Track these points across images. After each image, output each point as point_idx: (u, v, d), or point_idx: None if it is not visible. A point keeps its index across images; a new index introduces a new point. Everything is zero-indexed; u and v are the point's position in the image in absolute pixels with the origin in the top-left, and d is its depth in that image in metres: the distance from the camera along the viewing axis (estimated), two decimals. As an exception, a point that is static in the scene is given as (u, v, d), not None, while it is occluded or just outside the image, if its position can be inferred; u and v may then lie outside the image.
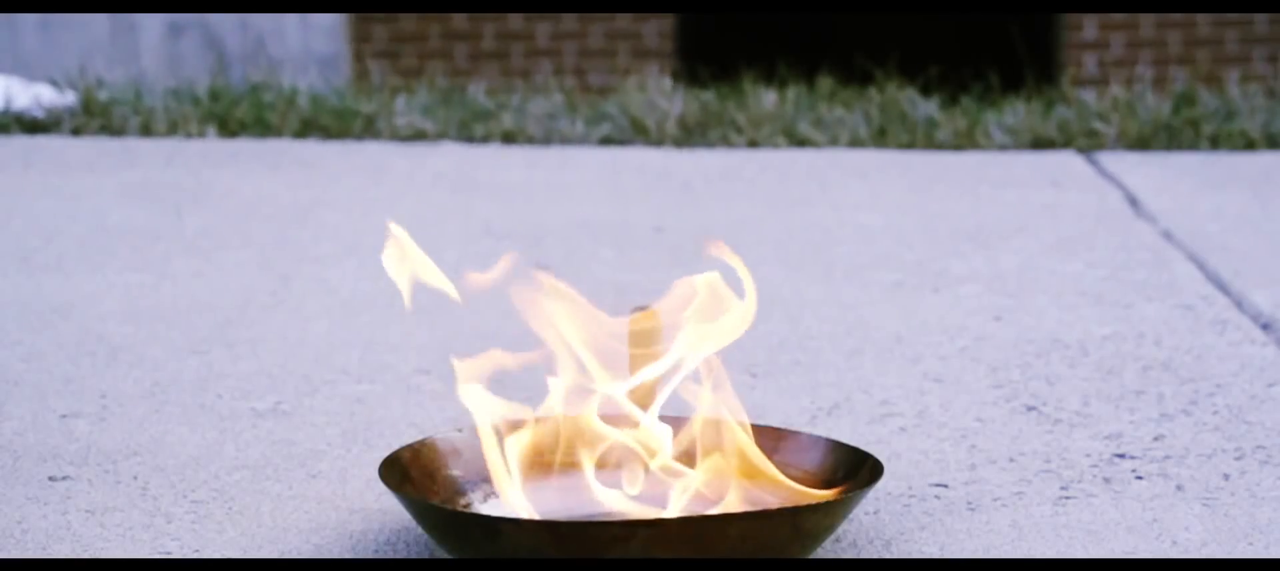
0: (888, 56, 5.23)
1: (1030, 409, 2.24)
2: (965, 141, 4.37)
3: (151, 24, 8.30)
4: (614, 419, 1.83)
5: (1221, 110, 4.52)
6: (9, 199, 3.63)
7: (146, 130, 4.42)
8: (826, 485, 1.81)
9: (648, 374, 1.85)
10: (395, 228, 1.82)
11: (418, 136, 4.39)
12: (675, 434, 1.82)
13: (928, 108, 4.56)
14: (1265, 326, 2.61)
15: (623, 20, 8.84)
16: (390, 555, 1.78)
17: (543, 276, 1.82)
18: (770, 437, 1.87)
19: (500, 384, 1.80)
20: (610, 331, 1.82)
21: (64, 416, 2.22)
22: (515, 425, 1.82)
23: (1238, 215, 3.44)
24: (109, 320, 2.69)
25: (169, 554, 1.78)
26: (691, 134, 4.40)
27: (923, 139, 4.37)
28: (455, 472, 1.84)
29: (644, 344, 1.88)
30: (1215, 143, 4.32)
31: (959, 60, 5.89)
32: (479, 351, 1.86)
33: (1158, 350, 2.50)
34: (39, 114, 4.52)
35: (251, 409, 2.25)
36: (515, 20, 8.82)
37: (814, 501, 1.78)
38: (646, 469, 1.81)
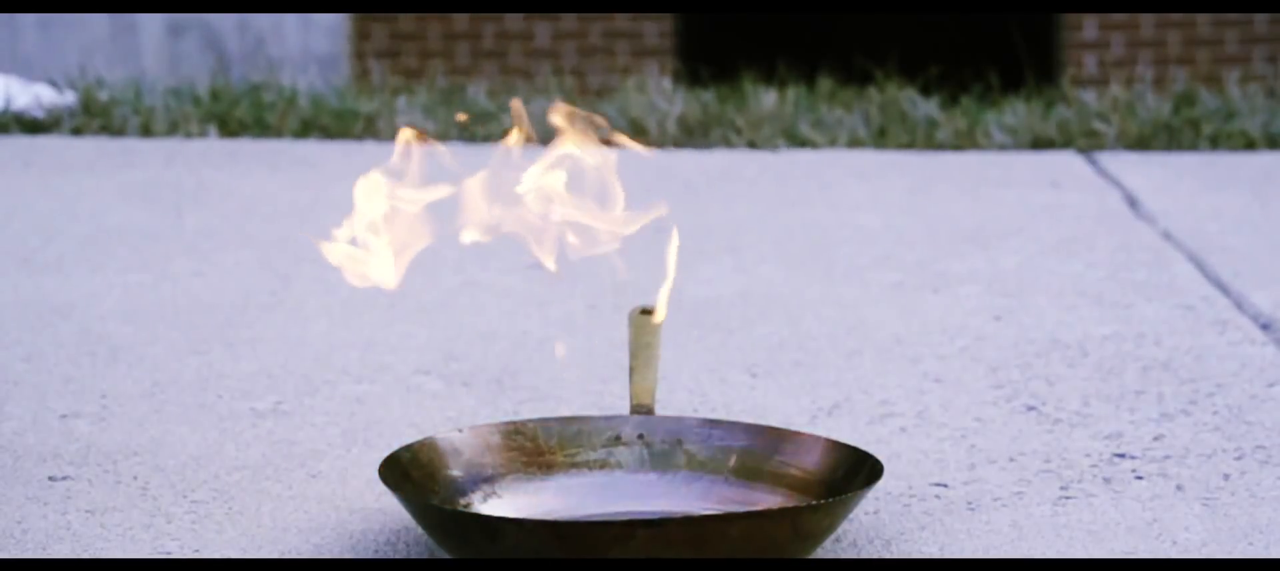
0: (888, 56, 5.23)
1: (1030, 409, 2.24)
2: (965, 141, 4.37)
3: (151, 24, 8.30)
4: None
5: (1221, 110, 4.52)
6: (9, 199, 3.63)
7: (146, 130, 4.41)
8: (826, 485, 1.81)
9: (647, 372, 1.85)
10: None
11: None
12: None
13: (928, 108, 4.56)
14: (1265, 326, 2.61)
15: (622, 20, 8.84)
16: (390, 555, 1.78)
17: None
18: (770, 437, 1.87)
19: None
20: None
21: (64, 416, 2.22)
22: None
23: (1238, 215, 3.44)
24: (109, 320, 2.69)
25: (169, 554, 1.78)
26: (692, 134, 4.40)
27: (923, 139, 4.36)
28: (455, 472, 1.84)
29: (644, 342, 1.88)
30: (1215, 143, 4.32)
31: (959, 60, 5.89)
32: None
33: (1158, 350, 2.50)
34: (39, 114, 4.52)
35: (251, 409, 2.25)
36: (514, 20, 8.82)
37: (814, 501, 1.78)
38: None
